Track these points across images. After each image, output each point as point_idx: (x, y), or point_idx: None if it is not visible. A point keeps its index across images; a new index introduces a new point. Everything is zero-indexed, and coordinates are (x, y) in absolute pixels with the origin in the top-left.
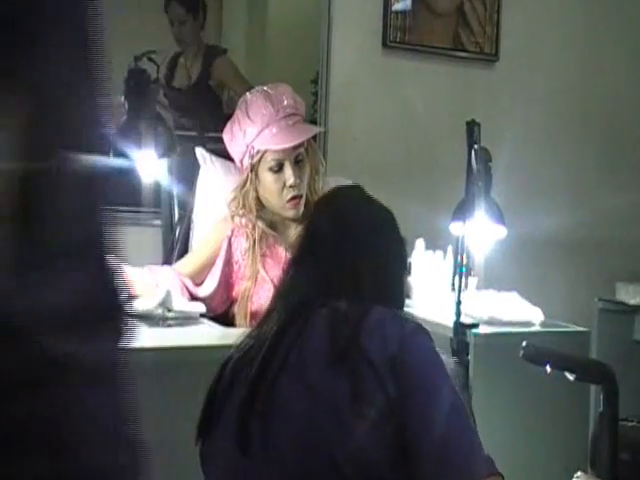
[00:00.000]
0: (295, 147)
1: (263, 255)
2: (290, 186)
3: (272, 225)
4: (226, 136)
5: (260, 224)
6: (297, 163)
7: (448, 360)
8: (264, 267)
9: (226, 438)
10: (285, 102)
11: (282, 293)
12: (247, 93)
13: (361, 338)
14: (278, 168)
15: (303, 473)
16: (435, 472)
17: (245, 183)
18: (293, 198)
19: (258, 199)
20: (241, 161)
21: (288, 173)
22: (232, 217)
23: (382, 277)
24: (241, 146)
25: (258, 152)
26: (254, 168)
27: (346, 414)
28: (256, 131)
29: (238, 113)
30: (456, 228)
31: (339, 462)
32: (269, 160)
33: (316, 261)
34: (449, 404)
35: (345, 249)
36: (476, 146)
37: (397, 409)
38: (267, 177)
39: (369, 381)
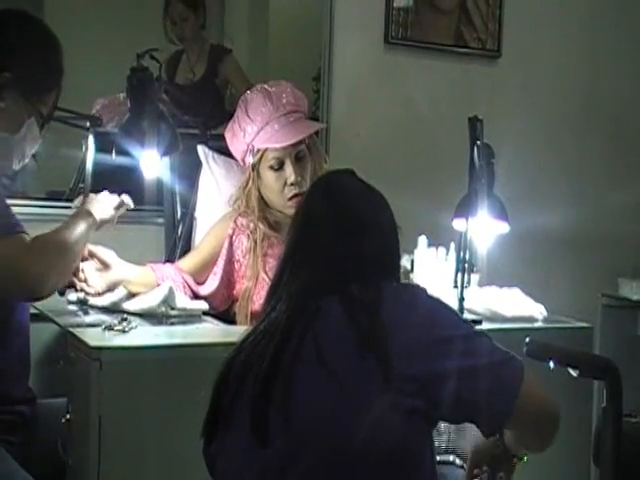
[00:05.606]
0: (295, 144)
1: (265, 255)
2: (291, 184)
3: (276, 225)
4: (227, 135)
5: (262, 226)
6: (298, 160)
7: None
8: (265, 267)
9: (240, 434)
10: (285, 99)
11: (283, 282)
12: (247, 92)
13: (382, 322)
14: (279, 166)
15: (329, 457)
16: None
17: (247, 182)
18: (295, 196)
19: (261, 198)
20: (243, 160)
21: (289, 171)
22: (235, 219)
23: (382, 254)
24: (242, 145)
25: (258, 151)
26: (255, 167)
27: (375, 397)
28: (256, 130)
29: (238, 112)
30: (459, 224)
31: (367, 443)
32: (270, 159)
33: (315, 247)
34: (470, 344)
35: (343, 231)
36: (479, 142)
37: (429, 383)
38: (268, 175)
39: (398, 363)
